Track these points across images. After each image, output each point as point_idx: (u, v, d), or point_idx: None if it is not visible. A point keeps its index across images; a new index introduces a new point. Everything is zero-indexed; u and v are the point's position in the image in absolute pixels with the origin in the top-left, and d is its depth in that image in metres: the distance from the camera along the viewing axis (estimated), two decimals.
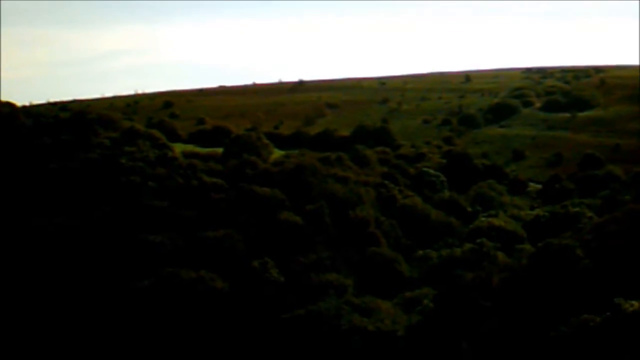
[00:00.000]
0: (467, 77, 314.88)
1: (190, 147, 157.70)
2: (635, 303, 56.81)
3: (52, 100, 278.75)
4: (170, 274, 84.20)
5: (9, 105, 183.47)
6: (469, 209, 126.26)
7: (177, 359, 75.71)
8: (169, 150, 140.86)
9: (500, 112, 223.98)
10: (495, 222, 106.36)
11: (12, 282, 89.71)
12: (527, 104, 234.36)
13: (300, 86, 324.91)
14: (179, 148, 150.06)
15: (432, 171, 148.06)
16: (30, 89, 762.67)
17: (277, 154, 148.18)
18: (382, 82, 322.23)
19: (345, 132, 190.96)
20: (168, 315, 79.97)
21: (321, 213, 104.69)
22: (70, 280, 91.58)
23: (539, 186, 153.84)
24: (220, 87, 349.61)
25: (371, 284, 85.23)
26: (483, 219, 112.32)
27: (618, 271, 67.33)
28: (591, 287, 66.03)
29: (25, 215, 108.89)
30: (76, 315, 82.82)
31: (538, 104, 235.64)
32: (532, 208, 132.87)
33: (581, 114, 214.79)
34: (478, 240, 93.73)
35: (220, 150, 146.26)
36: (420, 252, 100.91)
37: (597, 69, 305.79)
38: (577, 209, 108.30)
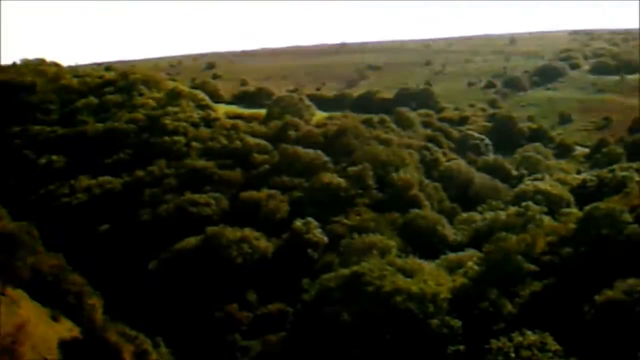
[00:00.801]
0: (512, 39, 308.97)
1: (232, 109, 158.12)
2: None
3: (97, 60, 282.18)
4: (216, 233, 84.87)
5: (55, 65, 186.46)
6: (514, 173, 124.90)
7: (222, 319, 76.63)
8: (212, 111, 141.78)
9: (546, 75, 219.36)
10: (541, 186, 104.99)
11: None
12: (575, 67, 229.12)
13: (342, 48, 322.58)
14: (221, 109, 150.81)
15: (476, 134, 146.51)
16: (76, 49, 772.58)
17: (319, 116, 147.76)
18: (426, 44, 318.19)
19: (388, 95, 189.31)
20: (214, 273, 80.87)
21: (364, 175, 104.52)
22: (114, 238, 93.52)
23: (587, 150, 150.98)
24: (262, 48, 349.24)
25: (414, 246, 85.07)
26: (528, 182, 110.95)
27: None
28: (638, 252, 64.99)
29: (71, 174, 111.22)
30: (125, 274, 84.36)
31: (586, 67, 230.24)
32: (578, 172, 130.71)
33: (630, 77, 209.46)
34: (523, 204, 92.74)
35: (262, 111, 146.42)
36: (464, 215, 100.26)
37: None
38: (625, 174, 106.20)
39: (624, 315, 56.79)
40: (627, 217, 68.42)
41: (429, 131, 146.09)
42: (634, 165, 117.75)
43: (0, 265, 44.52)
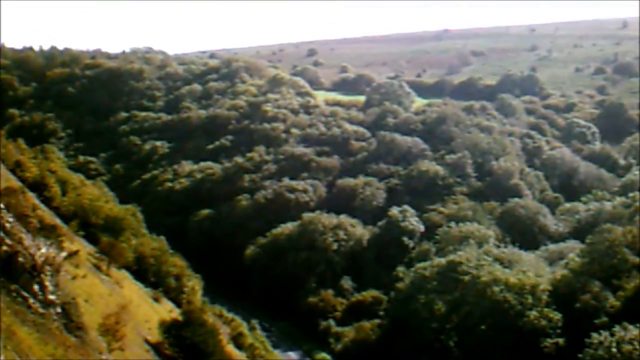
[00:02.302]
0: (625, 22, 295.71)
1: (332, 96, 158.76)
2: None
3: (202, 49, 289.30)
4: (312, 220, 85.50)
5: (162, 53, 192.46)
6: (622, 162, 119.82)
7: (317, 305, 77.33)
8: (311, 98, 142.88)
9: None
10: None
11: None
12: None
13: (444, 34, 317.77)
14: (321, 96, 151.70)
15: (582, 122, 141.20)
16: (182, 37, 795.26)
17: (418, 103, 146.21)
18: (532, 28, 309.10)
19: (490, 81, 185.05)
20: (310, 259, 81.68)
21: (463, 163, 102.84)
22: (214, 222, 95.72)
23: None
24: (363, 35, 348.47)
25: (513, 236, 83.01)
26: (637, 172, 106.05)
27: None
28: None
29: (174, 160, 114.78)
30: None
31: None
32: None
33: None
34: (630, 195, 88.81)
35: (361, 98, 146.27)
36: (567, 205, 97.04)
37: None
38: None
39: None
40: None
41: (532, 118, 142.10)
42: None
43: (106, 246, 46.28)
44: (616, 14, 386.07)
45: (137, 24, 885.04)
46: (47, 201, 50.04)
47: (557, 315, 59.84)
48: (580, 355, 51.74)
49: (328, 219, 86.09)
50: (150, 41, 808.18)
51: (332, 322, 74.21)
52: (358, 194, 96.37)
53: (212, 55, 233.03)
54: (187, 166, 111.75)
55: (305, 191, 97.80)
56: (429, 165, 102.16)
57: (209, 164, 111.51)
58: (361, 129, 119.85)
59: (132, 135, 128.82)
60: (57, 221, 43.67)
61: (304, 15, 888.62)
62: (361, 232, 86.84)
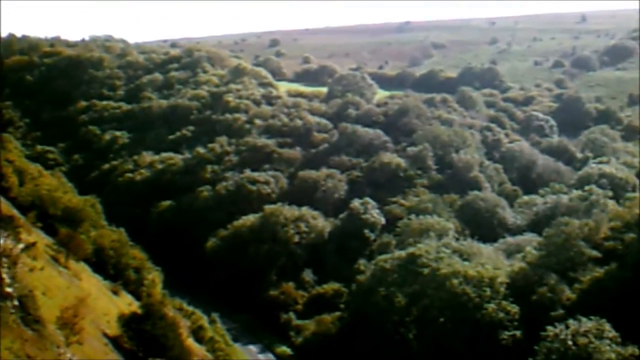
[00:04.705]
0: (583, 17, 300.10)
1: (294, 87, 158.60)
2: None
3: (163, 38, 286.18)
4: (274, 212, 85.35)
5: (123, 41, 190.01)
6: (579, 155, 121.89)
7: (278, 298, 77.38)
8: (274, 89, 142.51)
9: (617, 54, 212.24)
10: (606, 169, 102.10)
11: None
12: None
13: (406, 26, 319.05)
14: (283, 87, 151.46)
15: (541, 115, 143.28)
16: (143, 26, 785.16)
17: (380, 94, 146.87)
18: (492, 22, 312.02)
19: (451, 74, 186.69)
20: (271, 252, 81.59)
21: (424, 155, 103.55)
22: (175, 214, 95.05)
23: None
24: (326, 26, 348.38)
25: (473, 229, 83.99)
26: (593, 165, 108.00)
27: None
28: None
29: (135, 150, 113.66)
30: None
31: None
32: None
33: None
34: (587, 188, 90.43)
35: (324, 89, 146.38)
36: (525, 198, 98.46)
37: None
38: None
39: None
40: None
41: (492, 111, 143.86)
42: None
43: (64, 238, 45.71)
44: (575, 8, 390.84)
45: (97, 12, 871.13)
46: (4, 192, 49.17)
47: (514, 308, 60.72)
48: (536, 348, 52.60)
49: (290, 211, 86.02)
50: (111, 29, 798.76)
51: (292, 315, 74.26)
52: (320, 186, 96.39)
53: (174, 44, 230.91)
54: (147, 157, 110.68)
55: (267, 183, 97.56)
56: (390, 158, 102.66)
57: (170, 154, 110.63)
58: (323, 121, 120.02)
59: (91, 125, 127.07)
60: (15, 212, 43.00)
61: (267, 5, 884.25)
62: (323, 224, 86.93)
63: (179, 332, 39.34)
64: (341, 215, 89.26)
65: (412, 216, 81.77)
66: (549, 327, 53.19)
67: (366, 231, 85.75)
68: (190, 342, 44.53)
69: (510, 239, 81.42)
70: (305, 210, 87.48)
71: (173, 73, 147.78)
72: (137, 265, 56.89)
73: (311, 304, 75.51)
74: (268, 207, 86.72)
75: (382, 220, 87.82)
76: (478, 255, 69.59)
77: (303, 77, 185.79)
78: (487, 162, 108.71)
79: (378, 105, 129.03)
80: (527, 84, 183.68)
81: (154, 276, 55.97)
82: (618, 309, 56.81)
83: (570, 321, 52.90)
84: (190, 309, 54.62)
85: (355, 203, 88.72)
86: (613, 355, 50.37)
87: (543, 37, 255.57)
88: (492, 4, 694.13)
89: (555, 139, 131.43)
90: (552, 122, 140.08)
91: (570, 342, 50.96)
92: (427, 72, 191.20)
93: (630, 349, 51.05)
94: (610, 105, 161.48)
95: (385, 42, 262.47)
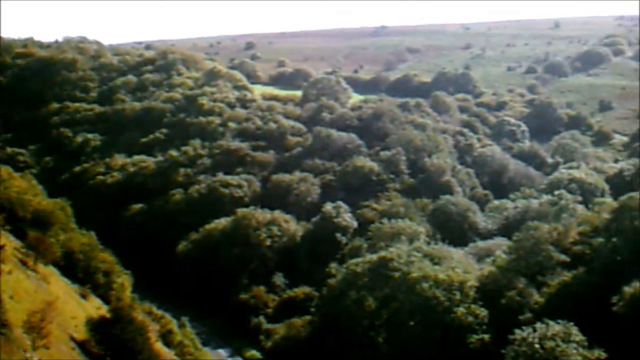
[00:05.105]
0: (556, 23, 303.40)
1: (269, 90, 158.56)
2: None
3: (138, 40, 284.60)
4: (246, 215, 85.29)
5: (96, 43, 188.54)
6: (550, 160, 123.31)
7: (249, 302, 77.33)
8: (248, 92, 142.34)
9: (588, 60, 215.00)
10: (576, 174, 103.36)
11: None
12: (618, 53, 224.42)
13: (382, 30, 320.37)
14: (258, 90, 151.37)
15: (513, 120, 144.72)
16: (117, 27, 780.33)
17: (355, 98, 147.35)
18: (467, 27, 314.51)
19: (426, 78, 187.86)
20: (243, 255, 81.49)
21: (397, 160, 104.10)
22: (146, 217, 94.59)
23: (625, 139, 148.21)
24: (302, 30, 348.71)
25: (444, 233, 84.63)
26: (563, 170, 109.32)
27: None
28: None
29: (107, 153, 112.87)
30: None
31: (630, 53, 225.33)
32: (616, 161, 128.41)
33: None
34: (557, 193, 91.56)
35: (299, 93, 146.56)
36: (496, 202, 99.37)
37: None
38: None
39: None
40: None
41: (465, 116, 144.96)
42: None
43: (33, 241, 45.37)
44: (548, 15, 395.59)
45: (71, 13, 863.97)
46: None
47: (483, 312, 61.29)
48: (504, 351, 53.22)
49: (262, 214, 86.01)
50: (84, 31, 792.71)
51: (263, 319, 74.18)
52: (293, 190, 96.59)
53: (148, 47, 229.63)
54: (119, 159, 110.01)
55: (239, 186, 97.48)
56: (363, 162, 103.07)
57: (142, 157, 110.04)
58: (297, 124, 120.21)
59: (63, 127, 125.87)
60: None
61: (242, 8, 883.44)
62: (295, 228, 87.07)
63: (148, 336, 39.30)
64: (313, 219, 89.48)
65: (384, 220, 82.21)
66: (517, 331, 53.84)
67: (338, 235, 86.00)
68: (158, 346, 44.44)
69: (480, 243, 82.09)
70: (277, 213, 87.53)
71: (147, 75, 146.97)
72: (107, 269, 56.55)
73: (282, 307, 75.53)
74: (240, 211, 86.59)
75: (354, 224, 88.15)
76: (449, 259, 70.10)
77: (278, 80, 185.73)
78: (459, 167, 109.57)
79: (352, 109, 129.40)
80: (500, 89, 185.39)
81: (124, 280, 55.61)
82: (585, 312, 57.67)
83: (538, 325, 53.64)
84: (160, 312, 54.37)
85: (328, 207, 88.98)
86: (579, 359, 51.15)
87: (516, 43, 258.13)
88: (467, 9, 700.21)
89: (527, 144, 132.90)
90: (524, 127, 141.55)
91: (537, 346, 51.67)
92: (401, 76, 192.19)
93: (597, 353, 51.91)
94: (581, 111, 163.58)
95: (360, 46, 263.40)
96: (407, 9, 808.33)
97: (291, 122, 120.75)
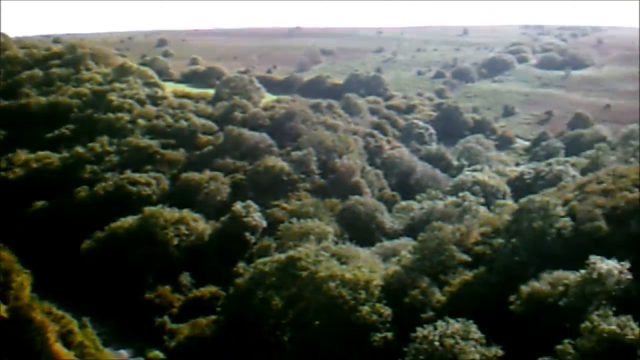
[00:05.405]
0: (465, 30, 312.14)
1: (181, 87, 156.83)
2: (610, 262, 57.51)
3: (45, 32, 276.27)
4: (153, 214, 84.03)
5: (2, 35, 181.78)
6: (455, 163, 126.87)
7: (153, 302, 76.28)
8: (159, 89, 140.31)
9: (494, 67, 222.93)
10: (479, 177, 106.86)
11: None
12: (522, 60, 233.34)
13: (296, 31, 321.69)
14: (170, 87, 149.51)
15: (421, 123, 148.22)
16: (24, 19, 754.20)
17: (268, 98, 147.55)
18: (379, 31, 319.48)
19: (338, 80, 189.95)
20: (149, 254, 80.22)
21: (307, 160, 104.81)
22: (50, 215, 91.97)
23: (527, 143, 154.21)
24: (215, 28, 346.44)
25: (352, 233, 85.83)
26: (468, 173, 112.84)
27: (597, 230, 68.05)
28: (569, 245, 66.81)
29: (11, 148, 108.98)
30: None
31: (533, 61, 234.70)
32: (517, 165, 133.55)
33: (575, 73, 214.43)
34: (461, 194, 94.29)
35: (211, 91, 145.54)
36: (403, 203, 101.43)
37: (595, 28, 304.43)
38: (561, 167, 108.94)
39: (547, 306, 58.47)
40: (560, 211, 70.07)
41: (375, 118, 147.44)
42: (571, 160, 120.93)
43: None
44: (458, 22, 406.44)
45: None
46: None
47: (387, 311, 62.42)
48: (405, 349, 54.53)
49: (170, 213, 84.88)
50: None
51: (167, 318, 73.17)
52: (202, 189, 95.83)
53: (56, 40, 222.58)
54: (22, 155, 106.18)
55: (148, 184, 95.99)
56: (274, 161, 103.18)
57: (47, 153, 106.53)
58: (209, 123, 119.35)
59: None
60: None
61: (155, 4, 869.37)
62: (203, 227, 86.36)
63: (47, 337, 38.57)
64: (223, 218, 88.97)
65: (294, 220, 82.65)
66: (419, 329, 55.18)
67: (247, 234, 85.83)
68: (58, 347, 43.54)
69: (387, 243, 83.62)
70: (186, 212, 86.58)
71: (54, 70, 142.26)
72: (5, 268, 54.77)
73: (187, 307, 74.57)
74: (148, 209, 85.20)
75: (264, 224, 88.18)
76: (356, 258, 71.13)
77: (190, 78, 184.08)
78: (368, 168, 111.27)
79: (265, 109, 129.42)
80: (410, 92, 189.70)
81: (23, 279, 53.96)
82: (485, 311, 59.67)
83: (439, 323, 55.13)
84: (60, 312, 53.16)
85: (238, 206, 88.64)
86: (477, 356, 52.89)
87: (427, 48, 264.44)
88: (380, 13, 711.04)
89: (434, 146, 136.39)
90: (432, 130, 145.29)
91: (437, 343, 53.12)
92: (314, 77, 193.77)
93: (494, 350, 53.81)
94: (486, 116, 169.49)
95: (274, 47, 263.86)
96: (321, 10, 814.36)
97: (203, 121, 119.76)
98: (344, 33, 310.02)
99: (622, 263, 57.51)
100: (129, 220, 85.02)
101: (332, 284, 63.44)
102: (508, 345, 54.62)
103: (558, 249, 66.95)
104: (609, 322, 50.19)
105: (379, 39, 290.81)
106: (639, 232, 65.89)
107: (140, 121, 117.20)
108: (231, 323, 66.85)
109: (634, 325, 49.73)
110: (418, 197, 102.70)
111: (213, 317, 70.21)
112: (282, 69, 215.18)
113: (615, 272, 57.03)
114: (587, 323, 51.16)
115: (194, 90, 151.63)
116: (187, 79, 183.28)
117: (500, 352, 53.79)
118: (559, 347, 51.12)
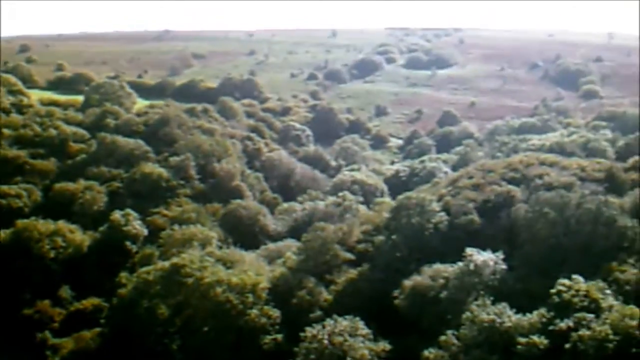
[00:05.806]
0: (334, 32, 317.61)
1: (47, 95, 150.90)
2: (485, 254, 60.33)
3: None
4: (27, 227, 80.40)
5: None
6: (333, 163, 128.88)
7: (32, 317, 73.13)
8: (24, 97, 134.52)
9: (364, 68, 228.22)
10: (357, 176, 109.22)
11: None
12: (390, 61, 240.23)
13: (166, 35, 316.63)
14: (36, 95, 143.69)
15: (298, 125, 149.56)
16: None
17: (140, 104, 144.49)
18: (250, 34, 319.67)
19: (212, 84, 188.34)
20: (24, 269, 76.70)
21: (186, 165, 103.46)
22: None
23: (400, 142, 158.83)
24: (81, 32, 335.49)
25: (236, 237, 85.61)
26: (346, 172, 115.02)
27: (471, 224, 71.22)
28: (446, 239, 69.54)
29: None
30: None
31: (401, 61, 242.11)
32: (392, 163, 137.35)
33: (441, 72, 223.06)
34: (340, 194, 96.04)
35: (80, 98, 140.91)
36: (285, 205, 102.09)
37: (456, 29, 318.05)
38: (434, 164, 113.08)
39: (430, 299, 60.68)
40: (435, 206, 72.79)
41: (252, 121, 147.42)
42: (442, 156, 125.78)
43: None
44: (326, 25, 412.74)
45: None
46: None
47: (275, 313, 62.82)
48: (296, 350, 55.10)
49: (44, 225, 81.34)
50: None
51: (48, 333, 70.29)
52: (77, 199, 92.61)
53: None
54: None
55: (18, 196, 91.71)
56: (151, 168, 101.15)
57: None
58: (80, 130, 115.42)
59: None
60: None
61: (15, 8, 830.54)
62: (81, 237, 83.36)
63: None
64: (101, 228, 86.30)
65: (175, 226, 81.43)
66: (308, 329, 55.94)
67: (128, 243, 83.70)
68: None
69: (271, 245, 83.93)
70: (61, 224, 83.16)
71: None
72: None
73: (69, 321, 71.84)
74: (20, 222, 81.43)
75: (145, 232, 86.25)
76: (241, 262, 71.05)
77: (57, 85, 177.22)
78: (248, 171, 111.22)
79: (138, 115, 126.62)
80: (284, 95, 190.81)
81: None
82: (370, 307, 61.28)
83: (328, 321, 56.09)
84: None
85: (116, 215, 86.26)
86: (366, 352, 54.38)
87: (298, 50, 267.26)
88: (250, 16, 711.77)
89: (312, 148, 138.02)
90: (309, 131, 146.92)
91: (326, 342, 54.09)
92: (187, 81, 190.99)
93: (382, 345, 55.62)
94: (360, 116, 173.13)
95: (144, 51, 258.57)
96: (191, 13, 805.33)
97: (73, 129, 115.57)
98: (214, 36, 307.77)
99: (497, 254, 60.60)
100: (0, 234, 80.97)
101: (219, 289, 63.09)
102: (395, 339, 56.39)
103: (436, 243, 69.70)
104: (487, 312, 52.76)
105: (250, 41, 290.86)
106: (509, 223, 69.73)
107: (6, 131, 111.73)
108: (117, 334, 65.12)
109: (509, 312, 52.54)
110: (299, 198, 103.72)
111: (97, 329, 68.08)
112: (153, 73, 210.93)
113: (491, 263, 60.12)
114: (468, 313, 53.64)
115: (62, 98, 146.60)
116: (53, 85, 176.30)
117: (387, 347, 55.57)
118: (443, 338, 53.33)
